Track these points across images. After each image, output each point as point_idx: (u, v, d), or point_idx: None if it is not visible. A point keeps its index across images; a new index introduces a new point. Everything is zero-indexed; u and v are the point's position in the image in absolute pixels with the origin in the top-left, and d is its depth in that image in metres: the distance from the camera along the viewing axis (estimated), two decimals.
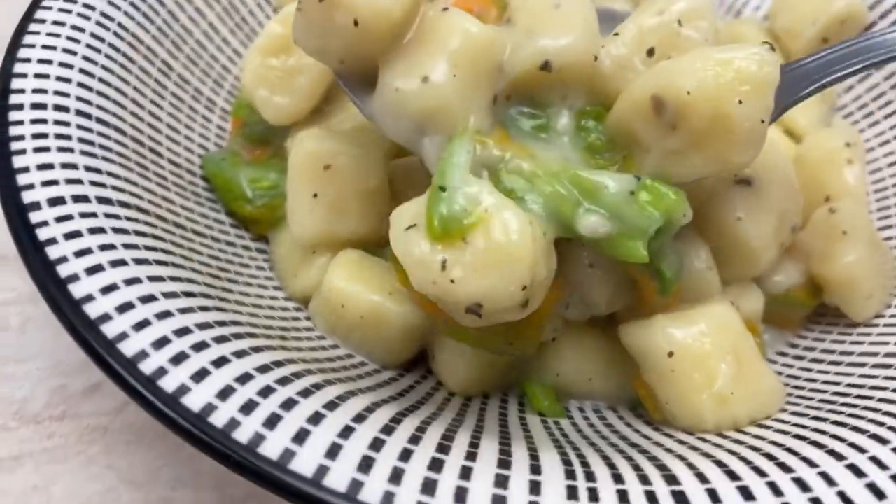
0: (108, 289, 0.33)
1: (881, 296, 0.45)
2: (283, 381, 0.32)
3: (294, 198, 0.43)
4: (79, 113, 0.41)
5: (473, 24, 0.35)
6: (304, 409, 0.30)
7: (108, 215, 0.37)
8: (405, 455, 0.29)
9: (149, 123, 0.46)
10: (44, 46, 0.43)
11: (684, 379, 0.36)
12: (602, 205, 0.34)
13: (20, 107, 0.39)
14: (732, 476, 0.31)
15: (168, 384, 0.30)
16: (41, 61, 0.42)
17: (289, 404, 0.30)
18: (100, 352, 0.31)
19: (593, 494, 0.29)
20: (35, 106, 0.40)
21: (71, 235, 0.35)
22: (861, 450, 0.32)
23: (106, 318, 0.32)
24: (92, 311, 0.32)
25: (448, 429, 0.33)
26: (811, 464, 0.31)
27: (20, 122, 0.39)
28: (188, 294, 0.36)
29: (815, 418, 0.36)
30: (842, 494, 0.29)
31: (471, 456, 0.30)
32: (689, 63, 0.34)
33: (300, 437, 0.29)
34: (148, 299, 0.33)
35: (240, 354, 0.33)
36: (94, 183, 0.38)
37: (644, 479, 0.30)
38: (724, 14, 0.66)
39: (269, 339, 0.37)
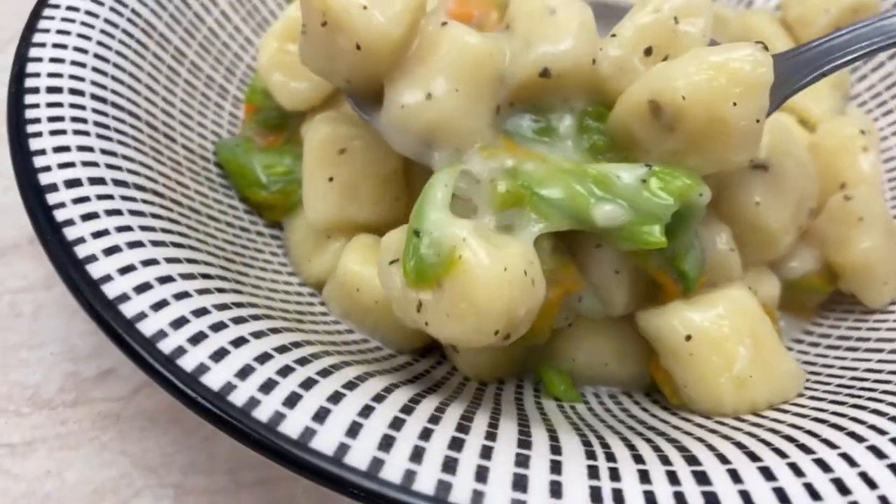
0: (126, 269, 0.33)
1: None
2: (302, 362, 0.32)
3: (309, 182, 0.43)
4: (94, 97, 0.41)
5: (472, 37, 0.36)
6: (323, 389, 0.30)
7: (124, 198, 0.37)
8: (425, 434, 0.29)
9: (162, 109, 0.46)
10: (59, 31, 0.43)
11: (703, 362, 0.36)
12: (615, 194, 0.34)
13: (36, 90, 0.39)
14: (753, 457, 0.30)
15: (187, 363, 0.30)
16: (56, 46, 0.42)
17: (308, 384, 0.30)
18: (119, 332, 0.31)
19: (615, 474, 0.29)
20: (51, 90, 0.40)
21: (88, 217, 0.35)
22: (882, 431, 0.31)
23: (124, 298, 0.32)
24: (110, 291, 0.32)
25: (467, 410, 0.33)
26: (832, 445, 0.31)
27: (36, 106, 0.39)
28: (205, 276, 0.36)
29: (834, 402, 0.36)
30: (864, 475, 0.29)
31: (490, 436, 0.30)
32: (684, 66, 0.34)
33: (320, 415, 0.29)
34: (165, 280, 0.33)
35: (258, 335, 0.33)
36: (110, 166, 0.38)
37: (665, 460, 0.30)
38: (736, 4, 0.66)
39: (286, 321, 0.37)
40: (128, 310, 0.31)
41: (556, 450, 0.30)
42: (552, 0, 0.38)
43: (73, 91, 0.40)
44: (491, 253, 0.31)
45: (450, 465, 0.28)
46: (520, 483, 0.28)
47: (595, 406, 0.40)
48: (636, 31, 0.38)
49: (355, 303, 0.41)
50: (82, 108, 0.40)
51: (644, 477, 0.29)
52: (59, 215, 0.34)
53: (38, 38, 0.42)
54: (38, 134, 0.38)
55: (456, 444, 0.29)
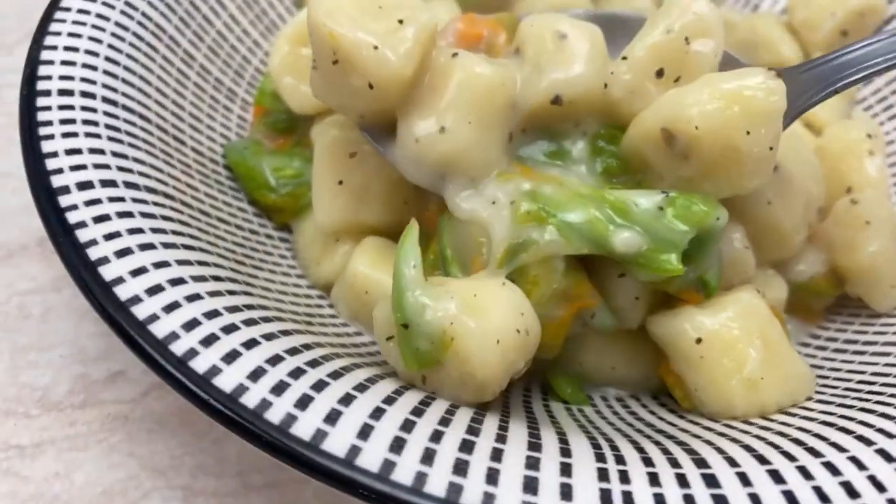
0: (138, 271, 0.33)
1: None
2: (313, 364, 0.32)
3: (319, 185, 0.43)
4: (105, 100, 0.41)
5: (483, 68, 0.36)
6: (334, 391, 0.30)
7: (135, 200, 0.37)
8: (436, 436, 0.29)
9: (172, 112, 0.47)
10: (69, 34, 0.43)
11: (714, 365, 0.36)
12: (633, 221, 0.35)
13: (47, 93, 0.40)
14: (762, 460, 0.30)
15: (199, 365, 0.30)
16: (67, 49, 0.42)
17: (319, 385, 0.30)
18: (131, 333, 0.31)
19: (624, 477, 0.29)
20: (62, 92, 0.40)
21: (100, 219, 0.35)
22: (890, 435, 0.32)
23: (136, 300, 0.32)
24: (122, 293, 0.32)
25: (476, 413, 0.33)
26: (840, 449, 0.31)
27: (48, 108, 0.39)
28: (216, 278, 0.36)
29: (842, 405, 0.36)
30: (872, 478, 0.29)
31: (500, 438, 0.30)
32: (697, 94, 0.35)
33: (332, 417, 0.29)
34: (177, 282, 0.34)
35: (269, 337, 0.33)
36: (121, 168, 0.39)
37: (674, 463, 0.30)
38: (742, 8, 0.66)
39: (296, 323, 0.37)
40: (140, 312, 0.32)
41: (566, 452, 0.30)
42: (562, 24, 0.38)
43: (84, 94, 0.41)
44: (482, 326, 0.32)
45: (460, 468, 0.28)
46: (530, 485, 0.28)
47: (603, 409, 0.40)
48: (647, 52, 0.37)
49: (364, 305, 0.41)
50: (93, 110, 0.40)
51: (654, 480, 0.29)
52: (72, 217, 0.35)
53: (49, 41, 0.42)
54: (50, 136, 0.38)
55: (466, 447, 0.29)
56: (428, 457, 0.28)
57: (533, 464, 0.29)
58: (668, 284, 0.37)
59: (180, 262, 0.35)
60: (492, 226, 0.36)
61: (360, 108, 0.37)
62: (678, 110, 0.34)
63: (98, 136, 0.39)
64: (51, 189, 0.36)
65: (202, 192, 0.45)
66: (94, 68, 0.42)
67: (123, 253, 0.34)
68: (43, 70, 0.41)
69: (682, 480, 0.29)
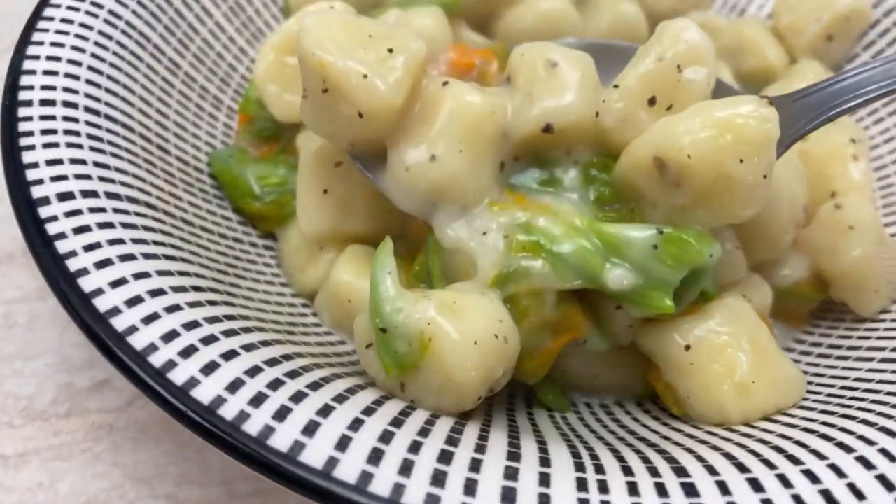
0: (117, 283, 0.33)
1: (887, 291, 0.45)
2: (292, 374, 0.32)
3: (304, 194, 0.43)
4: (87, 109, 0.41)
5: (474, 96, 0.36)
6: (313, 402, 0.30)
7: (116, 210, 0.37)
8: (415, 447, 0.29)
9: (156, 121, 0.47)
10: (52, 44, 0.43)
11: (704, 371, 0.36)
12: (626, 259, 0.35)
13: (29, 103, 0.40)
14: (742, 468, 0.30)
15: (177, 377, 0.30)
16: (50, 58, 0.42)
17: (298, 397, 0.30)
18: (109, 345, 0.31)
19: (603, 486, 0.29)
20: (44, 102, 0.40)
21: (80, 230, 0.35)
22: (870, 442, 0.32)
23: (115, 311, 0.32)
24: (101, 304, 0.32)
25: (456, 422, 0.33)
26: (820, 456, 0.31)
27: (29, 118, 0.39)
28: (197, 288, 0.36)
29: (824, 412, 0.36)
30: (851, 486, 0.29)
31: (480, 448, 0.30)
32: (689, 122, 0.34)
33: (310, 429, 0.29)
34: (157, 293, 0.34)
35: (248, 348, 0.33)
36: (102, 178, 0.39)
37: (654, 472, 0.30)
38: (728, 13, 0.66)
39: (277, 333, 0.37)
40: (119, 323, 0.32)
41: (545, 462, 0.30)
42: (553, 52, 0.38)
43: (66, 104, 0.41)
44: (459, 328, 0.32)
45: (439, 479, 0.28)
46: (508, 496, 0.28)
47: (586, 416, 0.40)
48: (639, 81, 0.37)
49: (347, 314, 0.41)
50: (76, 120, 0.40)
51: (633, 489, 0.29)
52: (51, 228, 0.35)
53: (32, 50, 0.42)
54: (31, 147, 0.38)
55: (445, 458, 0.29)
56: (406, 468, 0.28)
57: (511, 474, 0.29)
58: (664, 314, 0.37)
59: (161, 273, 0.35)
60: (478, 256, 0.36)
61: (349, 136, 0.37)
62: (670, 138, 0.34)
63: (80, 146, 0.39)
64: (31, 200, 0.35)
65: (186, 201, 0.44)
66: (77, 77, 0.42)
67: (103, 264, 0.34)
68: (25, 80, 0.41)
69: (661, 490, 0.29)
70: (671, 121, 0.35)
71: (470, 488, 0.28)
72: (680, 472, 0.30)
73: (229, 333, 0.33)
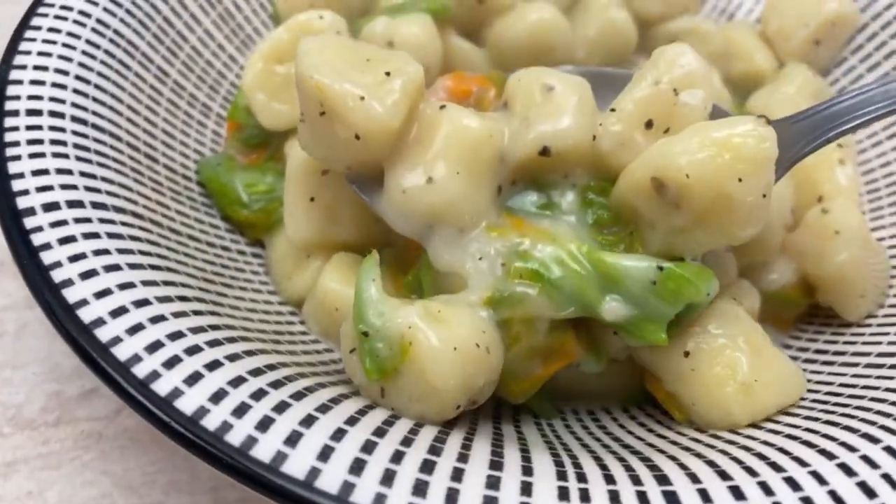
0: (102, 293, 0.33)
1: (873, 295, 0.45)
2: (276, 385, 0.32)
3: (291, 201, 0.43)
4: (74, 119, 0.42)
5: (471, 120, 0.36)
6: (296, 412, 0.30)
7: (102, 220, 0.37)
8: (397, 457, 0.29)
9: (144, 129, 0.47)
10: (40, 53, 0.43)
11: (706, 376, 0.36)
12: (623, 293, 0.35)
13: (16, 113, 0.40)
14: (724, 476, 0.31)
15: (161, 388, 0.30)
16: (37, 67, 0.42)
17: (281, 407, 0.31)
18: (93, 356, 0.31)
19: (584, 495, 0.29)
20: (31, 112, 0.40)
21: (65, 240, 0.35)
22: (852, 448, 0.32)
23: (100, 322, 0.32)
24: (86, 315, 0.32)
25: (441, 431, 0.33)
26: (802, 463, 0.31)
27: (15, 129, 0.39)
28: (182, 298, 0.36)
29: (808, 418, 0.36)
30: (833, 493, 0.29)
31: (462, 458, 0.31)
32: (687, 143, 0.34)
33: (292, 439, 0.29)
34: (142, 303, 0.34)
35: (233, 358, 0.33)
36: (88, 188, 0.39)
37: (636, 480, 0.30)
38: (718, 17, 0.66)
39: (262, 342, 0.37)
40: (103, 334, 0.32)
41: (527, 471, 0.30)
42: (549, 77, 0.38)
43: (53, 113, 0.41)
44: (440, 333, 0.32)
45: (420, 488, 0.28)
46: None
47: (572, 423, 0.40)
48: (636, 104, 0.37)
49: (334, 322, 0.41)
50: (62, 130, 0.40)
51: (614, 498, 0.29)
52: (36, 239, 0.35)
53: (18, 60, 0.42)
54: (17, 157, 0.38)
55: (427, 467, 0.29)
56: (388, 478, 0.28)
57: (493, 483, 0.29)
58: None
59: (146, 283, 0.35)
60: (473, 279, 0.36)
61: (347, 159, 0.37)
62: (668, 159, 0.34)
63: (66, 156, 0.39)
64: (16, 211, 0.36)
65: (173, 210, 0.45)
66: (64, 87, 0.42)
67: (88, 275, 0.34)
68: (11, 90, 0.41)
69: (643, 498, 0.29)
70: (669, 142, 0.35)
71: (451, 497, 0.28)
72: (662, 479, 0.31)
73: (214, 343, 0.33)
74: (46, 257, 0.34)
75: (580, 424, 0.40)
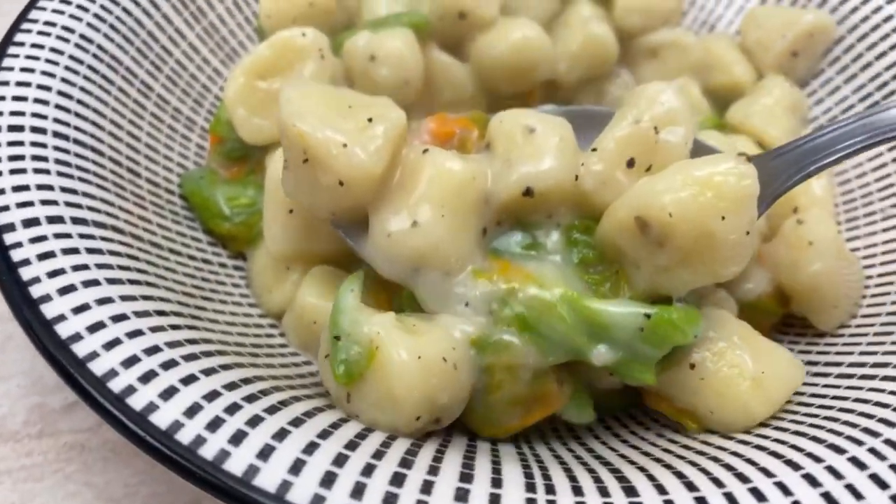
0: (80, 308, 0.34)
1: (847, 306, 0.46)
2: (250, 398, 0.32)
3: (270, 214, 0.43)
4: (56, 135, 0.42)
5: (454, 163, 0.37)
6: (269, 426, 0.31)
7: (82, 236, 0.38)
8: (368, 470, 0.30)
9: (127, 144, 0.47)
10: (22, 69, 0.43)
11: (716, 381, 0.37)
12: (611, 340, 0.35)
13: None
14: (691, 487, 0.31)
15: (137, 402, 0.31)
16: (19, 84, 0.43)
17: (255, 421, 0.31)
18: (70, 371, 0.32)
19: None
20: (11, 128, 0.41)
21: (44, 256, 0.36)
22: (817, 459, 0.32)
23: (77, 337, 0.33)
24: (63, 330, 0.33)
25: (413, 444, 0.33)
26: (768, 474, 0.32)
27: None
28: (160, 313, 0.36)
29: (777, 428, 0.37)
30: None
31: (433, 470, 0.31)
32: (669, 181, 0.35)
33: (264, 453, 0.30)
34: (119, 318, 0.34)
35: (208, 372, 0.33)
36: (69, 204, 0.39)
37: (603, 492, 0.31)
38: (699, 29, 0.67)
39: (239, 356, 0.37)
40: (80, 349, 0.32)
41: (496, 483, 0.31)
42: (530, 118, 0.38)
43: (34, 129, 0.41)
44: (407, 342, 0.33)
45: (389, 501, 0.29)
46: None
47: (547, 433, 0.41)
48: (617, 143, 0.38)
49: (313, 335, 0.41)
50: (43, 146, 0.41)
51: None
52: (16, 255, 0.35)
53: (1, 76, 0.43)
54: None
55: (397, 480, 0.30)
56: (358, 491, 0.29)
57: (462, 496, 0.30)
58: None
59: (124, 298, 0.36)
60: (459, 323, 0.36)
61: (331, 206, 0.37)
62: (651, 198, 0.34)
63: (47, 171, 0.40)
64: None
65: (155, 224, 0.45)
66: (46, 103, 0.43)
67: (66, 290, 0.34)
68: None
69: None
70: (651, 180, 0.35)
71: None
72: (629, 491, 0.31)
73: (190, 358, 0.34)
74: (25, 273, 0.35)
75: (555, 435, 0.41)
